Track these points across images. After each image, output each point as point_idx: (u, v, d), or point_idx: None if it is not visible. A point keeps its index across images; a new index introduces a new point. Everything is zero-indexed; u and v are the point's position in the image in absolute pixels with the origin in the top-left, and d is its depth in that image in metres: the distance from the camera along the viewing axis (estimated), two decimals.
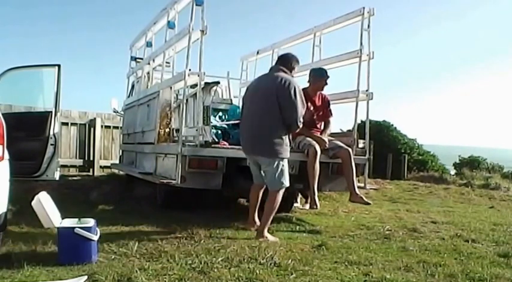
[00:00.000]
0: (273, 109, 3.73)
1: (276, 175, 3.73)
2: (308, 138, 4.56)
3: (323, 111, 4.91)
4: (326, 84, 4.90)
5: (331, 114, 4.95)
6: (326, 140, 4.62)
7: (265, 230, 3.76)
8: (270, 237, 3.71)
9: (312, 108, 4.82)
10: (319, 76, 4.84)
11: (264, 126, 3.76)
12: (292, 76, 3.95)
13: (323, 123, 4.93)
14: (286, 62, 3.99)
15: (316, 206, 4.46)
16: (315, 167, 4.39)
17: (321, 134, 4.75)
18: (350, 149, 4.60)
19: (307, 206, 4.99)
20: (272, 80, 3.84)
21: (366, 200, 4.63)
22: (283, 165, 3.76)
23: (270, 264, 2.82)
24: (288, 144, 3.86)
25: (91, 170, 9.25)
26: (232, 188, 4.33)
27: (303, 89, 5.03)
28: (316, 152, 4.40)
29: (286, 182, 3.79)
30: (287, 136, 3.83)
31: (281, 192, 3.79)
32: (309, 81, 4.96)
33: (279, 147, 3.73)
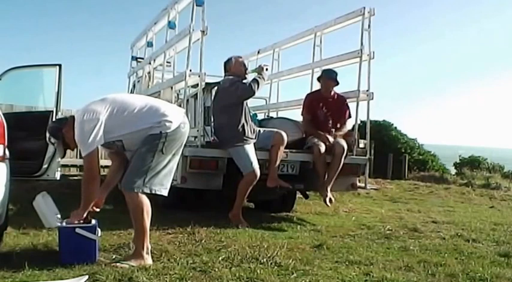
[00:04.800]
0: None
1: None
2: (314, 138, 4.63)
3: (337, 111, 4.92)
4: (336, 84, 4.93)
5: (350, 116, 4.97)
6: (330, 139, 4.62)
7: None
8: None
9: (324, 108, 4.85)
10: (326, 77, 4.93)
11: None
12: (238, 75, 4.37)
13: (338, 123, 4.91)
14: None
15: (331, 200, 4.56)
16: (321, 165, 4.50)
17: (335, 132, 4.76)
18: (346, 147, 4.58)
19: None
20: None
21: (328, 202, 4.60)
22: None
23: (271, 263, 2.81)
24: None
25: None
26: (233, 188, 4.32)
27: (317, 91, 5.10)
28: (320, 150, 4.48)
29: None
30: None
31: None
32: (320, 82, 5.03)
33: None
